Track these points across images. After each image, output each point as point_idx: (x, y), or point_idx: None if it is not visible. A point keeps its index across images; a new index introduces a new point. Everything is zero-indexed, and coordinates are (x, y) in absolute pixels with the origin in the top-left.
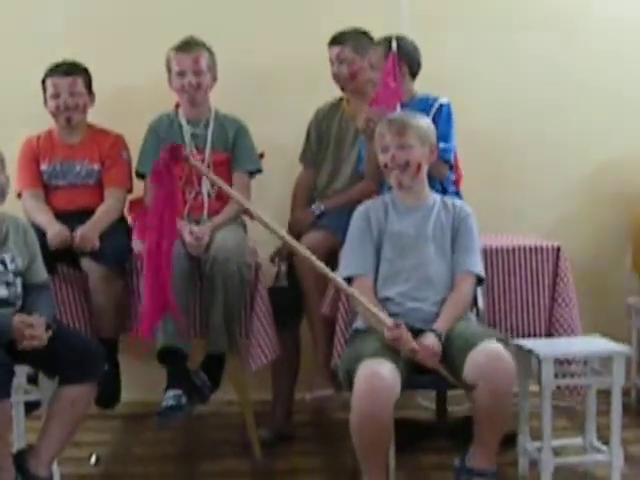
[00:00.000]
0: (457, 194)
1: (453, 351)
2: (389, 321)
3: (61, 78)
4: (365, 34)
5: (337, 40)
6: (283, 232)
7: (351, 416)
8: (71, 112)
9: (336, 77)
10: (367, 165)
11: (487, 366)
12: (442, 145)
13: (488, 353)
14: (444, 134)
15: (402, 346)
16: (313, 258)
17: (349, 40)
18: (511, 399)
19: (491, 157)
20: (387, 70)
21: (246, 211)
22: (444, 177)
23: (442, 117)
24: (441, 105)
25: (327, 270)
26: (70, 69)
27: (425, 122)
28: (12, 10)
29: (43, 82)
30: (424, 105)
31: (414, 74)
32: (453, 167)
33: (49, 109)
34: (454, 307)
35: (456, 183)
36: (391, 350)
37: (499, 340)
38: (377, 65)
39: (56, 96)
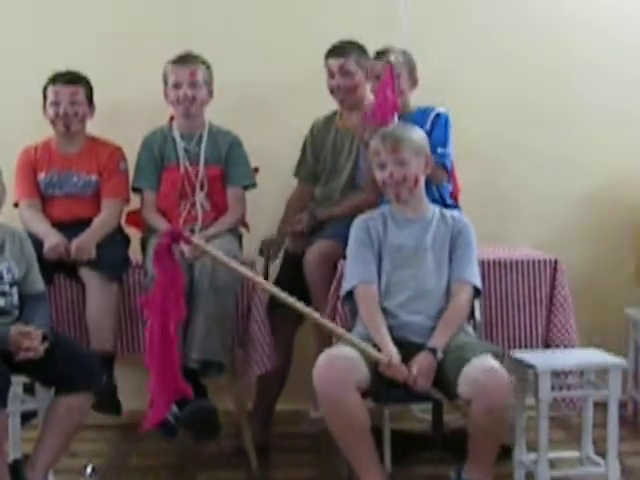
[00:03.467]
0: (455, 206)
1: (447, 365)
2: (383, 358)
3: (63, 86)
4: (361, 47)
5: (339, 52)
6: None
7: (320, 407)
8: (70, 120)
9: (335, 89)
10: (366, 177)
11: (482, 382)
12: (440, 150)
13: (483, 369)
14: (441, 139)
15: (397, 378)
16: (295, 302)
17: (352, 53)
18: (506, 415)
19: (489, 169)
20: (385, 82)
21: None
22: (442, 182)
23: (439, 124)
24: (438, 114)
25: (309, 311)
26: (72, 78)
27: (417, 134)
28: (14, 22)
29: (44, 90)
30: (422, 116)
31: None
32: (450, 177)
33: (48, 116)
34: (451, 320)
35: (454, 195)
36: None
37: (494, 354)
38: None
39: (56, 104)
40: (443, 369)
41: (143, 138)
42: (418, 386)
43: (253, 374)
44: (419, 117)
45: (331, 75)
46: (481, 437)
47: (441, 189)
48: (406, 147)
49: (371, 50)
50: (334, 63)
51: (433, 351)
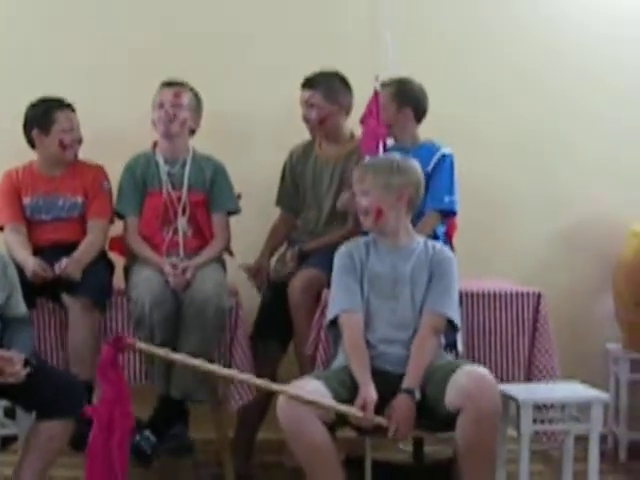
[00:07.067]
0: (448, 243)
1: (431, 387)
2: (355, 412)
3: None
4: (339, 78)
5: (308, 84)
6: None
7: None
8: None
9: (305, 120)
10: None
11: (469, 389)
12: (447, 199)
13: (470, 376)
14: (447, 186)
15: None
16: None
17: (320, 85)
18: (496, 425)
19: (475, 203)
20: (369, 110)
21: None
22: (433, 229)
23: (444, 167)
24: (443, 155)
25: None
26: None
27: (392, 167)
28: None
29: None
30: (426, 152)
31: (419, 119)
32: (445, 219)
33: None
34: (419, 354)
35: (448, 234)
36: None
37: None
38: (385, 107)
39: (71, 130)
40: (427, 394)
41: (126, 163)
42: (400, 435)
43: (235, 405)
44: (423, 152)
45: (302, 105)
46: (470, 455)
47: (435, 228)
48: (370, 179)
49: (356, 80)
50: (302, 95)
51: (410, 392)
